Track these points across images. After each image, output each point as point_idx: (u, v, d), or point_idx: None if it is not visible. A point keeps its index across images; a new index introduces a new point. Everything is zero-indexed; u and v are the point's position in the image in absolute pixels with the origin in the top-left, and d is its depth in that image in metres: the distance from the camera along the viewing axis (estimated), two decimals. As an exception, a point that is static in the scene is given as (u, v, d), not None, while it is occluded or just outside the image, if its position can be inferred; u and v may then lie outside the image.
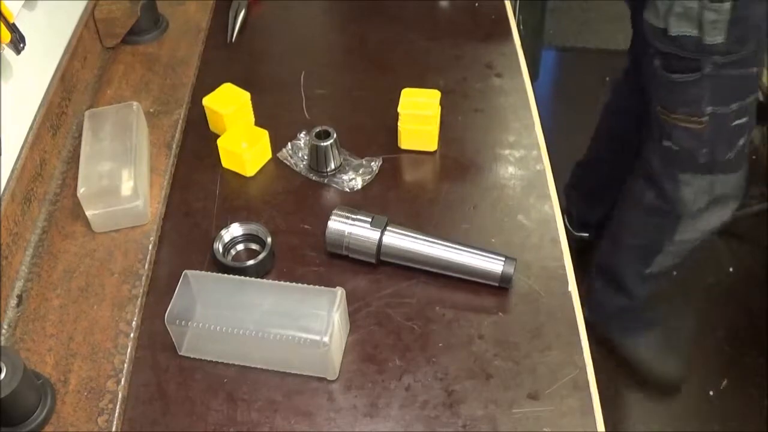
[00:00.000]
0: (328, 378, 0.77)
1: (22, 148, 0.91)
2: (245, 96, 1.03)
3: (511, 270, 0.82)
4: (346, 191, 0.96)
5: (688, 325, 1.79)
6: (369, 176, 0.98)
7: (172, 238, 0.92)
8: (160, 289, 0.86)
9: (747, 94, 1.27)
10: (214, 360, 0.79)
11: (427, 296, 0.85)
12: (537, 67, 2.51)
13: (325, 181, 0.98)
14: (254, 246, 0.90)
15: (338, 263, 0.88)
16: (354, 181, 0.97)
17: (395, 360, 0.79)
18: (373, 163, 0.99)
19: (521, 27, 1.28)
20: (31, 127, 0.93)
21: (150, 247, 0.89)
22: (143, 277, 0.86)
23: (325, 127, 0.97)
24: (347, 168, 0.99)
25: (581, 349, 0.79)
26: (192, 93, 1.10)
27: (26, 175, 0.89)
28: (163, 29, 1.20)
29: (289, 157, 1.01)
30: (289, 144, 1.02)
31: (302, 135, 1.02)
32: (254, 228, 0.89)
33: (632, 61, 1.53)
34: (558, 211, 0.93)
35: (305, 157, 1.00)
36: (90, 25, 1.13)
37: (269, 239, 0.87)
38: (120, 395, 0.75)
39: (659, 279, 1.57)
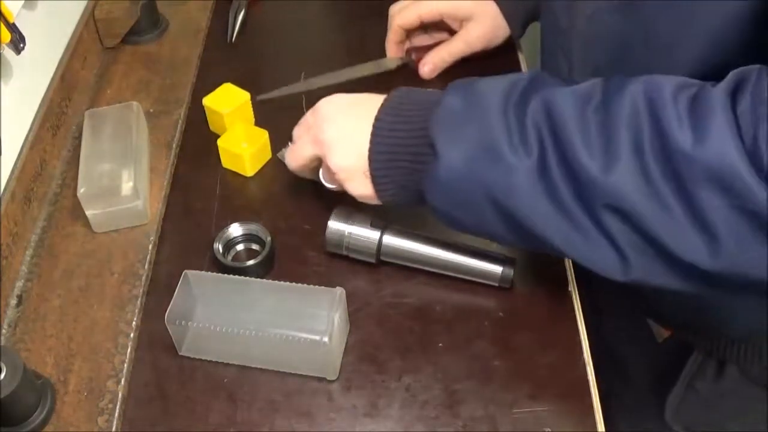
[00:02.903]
0: (328, 378, 0.77)
1: (22, 148, 0.91)
2: (245, 96, 1.03)
3: (511, 270, 0.82)
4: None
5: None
6: (369, 176, 0.97)
7: (172, 238, 0.92)
8: (160, 289, 0.86)
9: None
10: (214, 360, 0.79)
11: (427, 296, 0.85)
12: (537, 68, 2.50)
13: (325, 181, 0.98)
14: (254, 246, 0.90)
15: (338, 263, 0.88)
16: (354, 181, 0.97)
17: (395, 360, 0.79)
18: (373, 163, 0.99)
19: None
20: (31, 127, 0.93)
21: (150, 247, 0.89)
22: (143, 277, 0.86)
23: (325, 127, 0.96)
24: (347, 168, 0.98)
25: (581, 349, 0.79)
26: (192, 93, 1.10)
27: (26, 175, 0.89)
28: (163, 29, 1.20)
29: (289, 157, 1.01)
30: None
31: (302, 135, 1.02)
32: (254, 228, 0.89)
33: None
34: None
35: (305, 157, 1.00)
36: (90, 25, 1.12)
37: (269, 239, 0.87)
38: (120, 395, 0.75)
39: None
